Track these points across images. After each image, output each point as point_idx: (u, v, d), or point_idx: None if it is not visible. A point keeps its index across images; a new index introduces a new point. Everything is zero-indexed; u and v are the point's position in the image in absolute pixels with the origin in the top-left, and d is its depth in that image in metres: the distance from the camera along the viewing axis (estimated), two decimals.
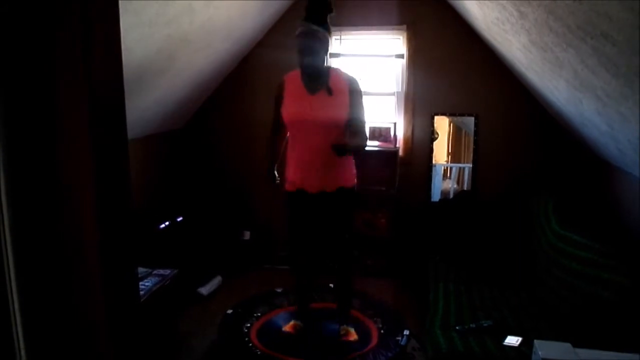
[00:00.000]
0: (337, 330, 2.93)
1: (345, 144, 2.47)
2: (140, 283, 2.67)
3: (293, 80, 2.65)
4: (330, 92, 2.54)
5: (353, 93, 2.59)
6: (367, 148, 3.78)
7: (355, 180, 2.77)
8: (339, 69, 2.68)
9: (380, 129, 3.93)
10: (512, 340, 2.18)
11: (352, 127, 2.59)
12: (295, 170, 2.69)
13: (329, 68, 2.64)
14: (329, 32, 2.55)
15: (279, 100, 2.67)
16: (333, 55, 4.02)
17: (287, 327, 2.96)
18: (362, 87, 2.67)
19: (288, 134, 2.74)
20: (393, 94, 4.04)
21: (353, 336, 2.88)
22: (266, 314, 3.22)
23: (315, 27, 2.47)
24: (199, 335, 3.00)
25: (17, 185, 0.89)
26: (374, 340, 2.89)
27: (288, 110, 2.61)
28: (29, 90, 0.87)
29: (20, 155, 0.89)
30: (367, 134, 2.72)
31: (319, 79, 2.58)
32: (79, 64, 0.87)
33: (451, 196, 4.03)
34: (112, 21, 0.95)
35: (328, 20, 2.56)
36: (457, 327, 2.33)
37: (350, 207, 2.78)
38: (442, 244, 3.60)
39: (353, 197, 2.76)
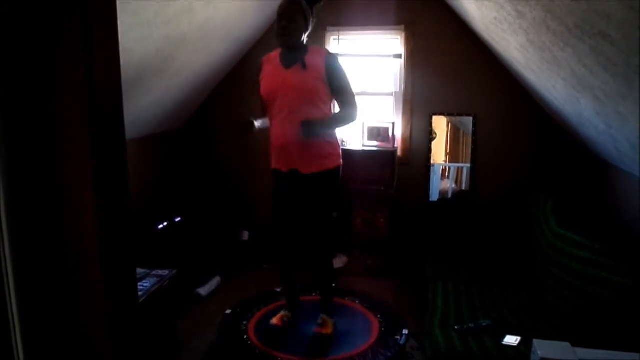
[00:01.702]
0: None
1: (311, 120, 2.46)
2: (139, 284, 2.66)
3: (271, 59, 2.69)
4: (304, 66, 2.54)
5: (330, 67, 2.57)
6: (365, 148, 3.86)
7: (340, 161, 2.74)
8: (319, 47, 2.69)
9: (378, 129, 3.93)
10: (511, 340, 2.19)
11: (339, 100, 2.62)
12: (275, 150, 2.70)
13: (307, 45, 2.64)
14: (312, 11, 2.57)
15: (258, 81, 2.70)
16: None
17: (274, 320, 2.96)
18: (342, 63, 2.64)
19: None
20: (391, 94, 4.04)
21: (328, 329, 2.87)
22: (261, 310, 3.23)
23: None
24: (198, 335, 2.99)
25: (16, 185, 0.89)
26: (374, 336, 2.90)
27: (263, 85, 2.65)
28: (30, 91, 0.87)
29: (20, 155, 0.89)
30: (356, 106, 2.66)
31: (295, 54, 2.58)
32: (80, 64, 0.87)
33: (449, 196, 4.04)
34: (110, 21, 0.95)
35: (315, 7, 2.59)
36: (456, 327, 2.33)
37: (331, 191, 2.73)
38: (441, 244, 3.61)
39: (335, 179, 2.72)
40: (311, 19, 2.59)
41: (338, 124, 2.69)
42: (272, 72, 2.64)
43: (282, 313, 3.00)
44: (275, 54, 2.68)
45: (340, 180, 2.79)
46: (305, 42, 2.62)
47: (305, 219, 2.79)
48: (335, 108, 2.70)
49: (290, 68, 2.57)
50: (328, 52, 2.66)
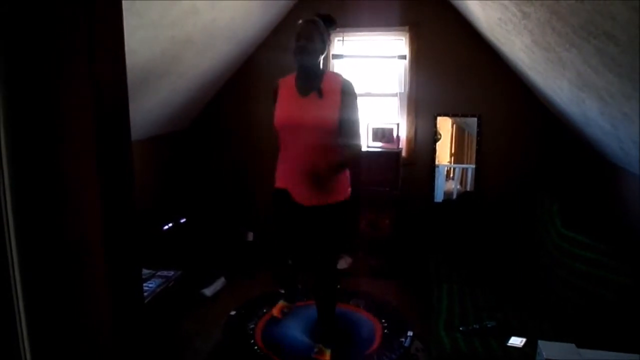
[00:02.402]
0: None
1: (338, 164, 2.42)
2: (144, 284, 2.68)
3: (287, 83, 2.60)
4: (320, 94, 2.47)
5: (345, 95, 2.48)
6: (370, 149, 3.86)
7: (349, 190, 2.65)
8: (335, 73, 2.62)
9: (383, 129, 3.93)
10: (516, 341, 2.18)
11: (344, 129, 2.48)
12: (284, 174, 2.62)
13: (324, 71, 2.57)
14: (329, 36, 2.54)
15: (274, 104, 2.63)
16: (336, 56, 4.03)
17: (274, 311, 2.87)
18: (357, 90, 2.55)
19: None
20: (396, 94, 4.04)
21: (326, 357, 2.71)
22: (269, 312, 3.22)
23: (318, 19, 2.47)
24: (203, 336, 3.00)
25: (21, 187, 0.89)
26: (379, 338, 2.89)
27: (278, 114, 2.56)
28: (34, 92, 0.88)
29: (24, 157, 0.89)
30: (361, 138, 2.58)
31: (312, 80, 2.51)
32: (84, 65, 0.87)
33: (454, 197, 4.03)
34: (115, 22, 0.96)
35: (329, 30, 2.55)
36: (461, 328, 2.32)
37: (340, 224, 2.63)
38: (446, 245, 3.60)
39: (345, 211, 2.62)
40: (328, 42, 2.53)
41: (346, 166, 2.58)
42: (288, 100, 2.55)
43: (280, 304, 2.92)
44: (290, 78, 2.59)
45: (351, 212, 2.72)
46: (321, 66, 2.54)
47: (312, 249, 2.69)
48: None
49: (307, 96, 2.49)
50: (344, 79, 2.55)
